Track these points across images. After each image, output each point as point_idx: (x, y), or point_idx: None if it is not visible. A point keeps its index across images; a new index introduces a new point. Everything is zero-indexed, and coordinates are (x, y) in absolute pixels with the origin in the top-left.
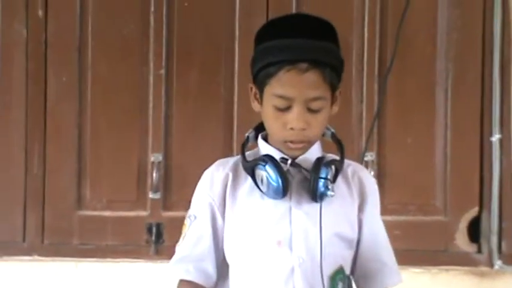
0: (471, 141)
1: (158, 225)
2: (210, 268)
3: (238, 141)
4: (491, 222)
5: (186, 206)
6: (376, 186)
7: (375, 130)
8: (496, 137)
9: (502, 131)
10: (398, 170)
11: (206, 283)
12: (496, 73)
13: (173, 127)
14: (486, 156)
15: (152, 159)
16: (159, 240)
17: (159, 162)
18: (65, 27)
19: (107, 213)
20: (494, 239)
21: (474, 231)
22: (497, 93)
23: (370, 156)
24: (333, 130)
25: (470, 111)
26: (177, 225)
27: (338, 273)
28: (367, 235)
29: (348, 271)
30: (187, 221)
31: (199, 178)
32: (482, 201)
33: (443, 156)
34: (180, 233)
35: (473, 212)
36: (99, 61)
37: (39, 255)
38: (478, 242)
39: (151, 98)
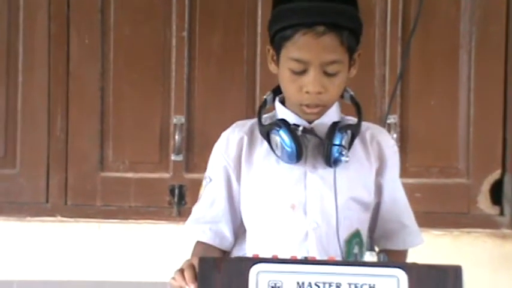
0: (494, 103)
1: (180, 187)
2: (226, 230)
3: (260, 103)
4: None
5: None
6: (395, 149)
7: (398, 93)
8: None
9: None
10: (421, 132)
11: (222, 245)
12: None
13: (195, 89)
14: (509, 118)
15: (175, 121)
16: (181, 202)
17: (182, 125)
18: None
19: (129, 175)
20: None
21: (496, 193)
22: None
23: (392, 119)
24: (351, 93)
25: (493, 73)
26: (199, 187)
27: (354, 237)
28: (387, 198)
29: (364, 234)
30: (203, 182)
31: None
32: (505, 164)
33: (466, 118)
34: None
35: (495, 174)
36: (121, 23)
37: (62, 216)
38: (500, 205)
39: (173, 60)
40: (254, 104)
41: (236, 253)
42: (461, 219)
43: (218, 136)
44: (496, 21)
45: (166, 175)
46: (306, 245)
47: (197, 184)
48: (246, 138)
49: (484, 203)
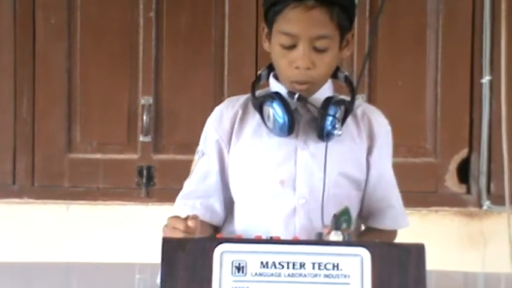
0: (461, 83)
1: (149, 168)
2: (217, 205)
3: (229, 84)
4: (480, 164)
5: (177, 149)
6: (388, 128)
7: (366, 72)
8: (486, 79)
9: (492, 73)
10: (388, 112)
11: (212, 220)
12: (486, 14)
13: (163, 70)
14: (476, 98)
15: (142, 102)
16: (149, 183)
17: (150, 105)
18: None
19: (97, 156)
20: (483, 180)
21: (463, 172)
22: (488, 35)
23: (361, 98)
24: (346, 73)
25: (460, 53)
26: (168, 168)
27: (343, 214)
28: (374, 176)
29: (354, 212)
30: (195, 157)
31: (189, 121)
32: (472, 143)
33: (433, 98)
34: (170, 175)
35: (462, 153)
36: (88, 3)
37: (30, 197)
38: (467, 183)
39: (141, 40)
40: (222, 84)
41: (227, 229)
42: (429, 198)
43: (187, 117)
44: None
45: (134, 156)
46: (294, 220)
47: (165, 165)
48: (240, 112)
49: (451, 182)
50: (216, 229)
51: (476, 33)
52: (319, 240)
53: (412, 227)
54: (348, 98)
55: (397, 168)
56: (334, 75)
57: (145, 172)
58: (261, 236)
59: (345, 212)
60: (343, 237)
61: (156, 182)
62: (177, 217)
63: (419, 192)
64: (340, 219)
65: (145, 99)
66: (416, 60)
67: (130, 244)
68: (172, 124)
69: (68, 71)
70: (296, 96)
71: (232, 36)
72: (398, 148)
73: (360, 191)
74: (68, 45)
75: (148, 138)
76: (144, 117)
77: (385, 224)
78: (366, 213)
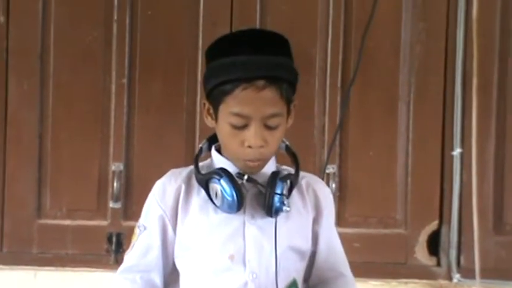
0: (432, 155)
1: (118, 235)
2: (157, 279)
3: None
4: (451, 236)
5: None
6: (331, 197)
7: (337, 143)
8: (457, 151)
9: (463, 146)
10: (359, 182)
11: None
12: (458, 87)
13: (135, 137)
14: (447, 170)
15: (113, 168)
16: (119, 250)
17: (120, 172)
18: (27, 34)
19: (67, 222)
20: (453, 253)
21: (434, 244)
22: (459, 107)
23: (332, 169)
24: (287, 143)
25: (431, 125)
26: None
27: (291, 286)
28: (324, 247)
29: (300, 283)
30: (136, 231)
31: None
32: (442, 215)
33: (404, 169)
34: None
35: (433, 225)
36: (61, 69)
37: None
38: (437, 256)
39: (113, 107)
40: (193, 152)
41: None
42: (399, 269)
43: None
44: (435, 73)
45: (104, 222)
46: None
47: None
48: (183, 187)
49: (421, 254)
50: None
51: (447, 105)
52: None
53: None
54: (290, 170)
55: (368, 238)
56: None
57: (114, 239)
58: None
59: (293, 284)
60: None
61: (125, 249)
62: None
63: (389, 263)
64: None
65: (116, 166)
66: (388, 131)
67: None
68: (142, 191)
69: (39, 136)
70: (246, 177)
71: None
72: (368, 219)
73: (304, 262)
74: (40, 110)
75: (118, 205)
76: (115, 184)
77: None
78: (316, 281)
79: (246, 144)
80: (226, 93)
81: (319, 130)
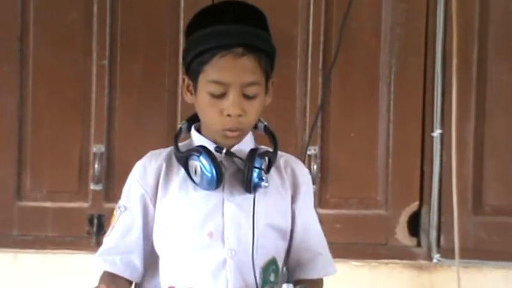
0: (413, 136)
1: (99, 217)
2: (137, 261)
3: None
4: (431, 217)
5: None
6: (309, 177)
7: (319, 124)
8: (437, 132)
9: (443, 127)
10: (340, 164)
11: (132, 276)
12: (438, 68)
13: (116, 118)
14: (427, 151)
15: (94, 150)
16: (100, 232)
17: (101, 154)
18: (6, 16)
19: (47, 204)
20: (433, 233)
21: (414, 225)
22: (439, 88)
23: (313, 150)
24: (265, 123)
25: (412, 106)
26: None
27: (270, 264)
28: (300, 226)
29: (280, 262)
30: (116, 212)
31: None
32: (423, 196)
33: (385, 150)
34: None
35: (413, 206)
36: (41, 51)
37: None
38: (417, 236)
39: (94, 88)
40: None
41: (149, 285)
42: (379, 250)
43: None
44: (415, 54)
45: (85, 204)
46: (224, 272)
47: None
48: (164, 166)
49: (401, 234)
50: (134, 285)
51: (427, 86)
52: None
53: (362, 279)
54: (269, 149)
55: (348, 220)
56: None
57: (95, 221)
58: None
59: (273, 262)
60: None
61: (106, 231)
62: None
63: (370, 244)
64: (268, 269)
65: (97, 147)
66: (369, 112)
67: None
68: (124, 173)
69: (19, 118)
70: (224, 151)
71: None
72: (349, 200)
73: (285, 241)
74: (20, 93)
75: (99, 187)
76: (96, 166)
77: (314, 272)
78: (294, 263)
79: (225, 113)
80: (205, 62)
81: (300, 111)
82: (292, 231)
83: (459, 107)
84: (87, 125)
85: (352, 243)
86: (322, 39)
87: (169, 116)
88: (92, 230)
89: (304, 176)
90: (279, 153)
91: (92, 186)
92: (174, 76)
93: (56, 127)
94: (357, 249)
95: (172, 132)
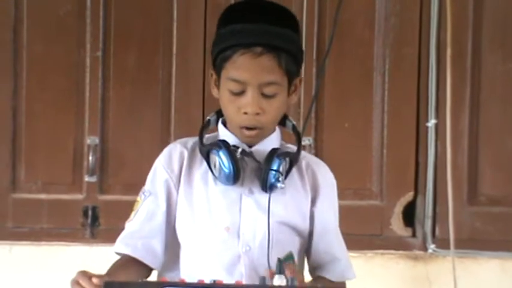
0: (407, 126)
1: (94, 209)
2: (158, 247)
3: (175, 124)
4: (426, 207)
5: (122, 189)
6: (333, 181)
7: (313, 115)
8: (431, 123)
9: (437, 117)
10: (335, 154)
11: (152, 263)
12: (432, 59)
13: (110, 110)
14: (422, 141)
15: (88, 142)
16: (94, 224)
17: (96, 145)
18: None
19: (42, 196)
20: (428, 224)
21: (409, 215)
22: (434, 79)
23: (307, 141)
24: (294, 122)
25: (406, 96)
26: (113, 209)
27: (287, 259)
28: (318, 228)
29: (297, 257)
30: (141, 197)
31: (135, 161)
32: (418, 186)
33: (379, 141)
34: (115, 216)
35: (408, 196)
36: (34, 42)
37: None
38: (412, 227)
39: (88, 80)
40: (169, 125)
41: (169, 273)
42: (374, 240)
43: (133, 157)
44: (409, 44)
45: (79, 196)
46: (238, 267)
47: (111, 205)
48: (187, 155)
49: (396, 225)
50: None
51: (422, 77)
52: (262, 285)
53: (357, 269)
54: (293, 148)
55: (343, 210)
56: (283, 123)
57: (90, 212)
58: (203, 280)
59: (289, 257)
60: (287, 281)
61: (101, 223)
62: (84, 272)
63: (365, 234)
64: (285, 263)
65: (91, 139)
66: (363, 103)
67: None
68: (118, 164)
69: (13, 109)
70: (239, 150)
71: (180, 76)
72: (344, 191)
73: (303, 238)
74: (14, 84)
75: (93, 179)
76: (90, 157)
77: (333, 275)
78: (314, 264)
79: (242, 110)
80: (226, 59)
81: (294, 102)
82: (311, 233)
83: (454, 97)
84: (81, 117)
85: (347, 233)
86: (316, 30)
87: (163, 108)
88: (86, 222)
89: (327, 180)
90: (303, 153)
91: (87, 178)
92: (167, 68)
93: (50, 119)
94: (352, 240)
95: (166, 123)
